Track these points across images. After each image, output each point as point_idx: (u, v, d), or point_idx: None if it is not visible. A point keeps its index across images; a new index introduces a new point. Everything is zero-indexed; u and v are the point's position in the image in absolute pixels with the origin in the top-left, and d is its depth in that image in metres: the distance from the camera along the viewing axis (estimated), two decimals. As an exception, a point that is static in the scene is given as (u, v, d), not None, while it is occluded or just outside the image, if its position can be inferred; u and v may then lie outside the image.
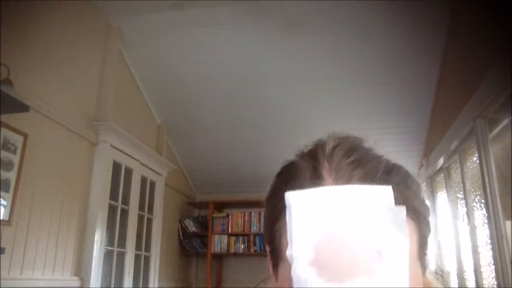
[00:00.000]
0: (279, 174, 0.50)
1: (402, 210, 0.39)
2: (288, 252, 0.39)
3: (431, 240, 0.49)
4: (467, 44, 2.74)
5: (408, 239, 0.38)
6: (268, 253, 0.50)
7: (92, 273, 2.88)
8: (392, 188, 0.40)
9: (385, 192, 0.39)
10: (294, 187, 0.41)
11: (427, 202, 0.50)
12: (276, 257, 0.46)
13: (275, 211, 0.45)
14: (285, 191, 0.41)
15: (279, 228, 0.44)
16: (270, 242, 0.47)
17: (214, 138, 4.44)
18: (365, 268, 0.37)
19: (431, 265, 3.73)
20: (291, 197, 0.40)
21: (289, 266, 0.39)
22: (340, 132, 0.48)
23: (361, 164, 0.44)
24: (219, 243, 4.94)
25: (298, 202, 0.39)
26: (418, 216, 0.45)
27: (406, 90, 3.60)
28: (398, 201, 0.39)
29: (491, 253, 2.34)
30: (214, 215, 5.04)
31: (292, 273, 0.38)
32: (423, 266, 0.46)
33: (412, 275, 0.40)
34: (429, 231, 0.47)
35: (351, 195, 0.39)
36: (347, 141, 0.47)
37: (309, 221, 0.39)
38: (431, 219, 0.48)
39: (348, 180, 0.42)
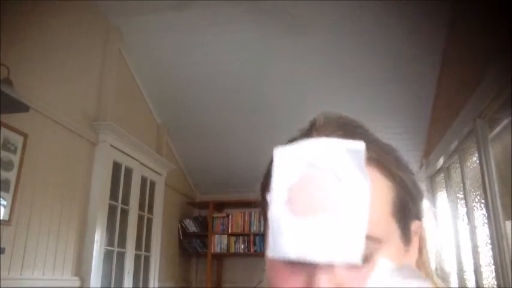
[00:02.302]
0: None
1: (360, 145, 0.43)
2: (267, 196, 0.44)
3: (421, 214, 0.52)
4: (467, 44, 2.74)
5: (368, 180, 0.42)
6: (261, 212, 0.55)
7: (92, 273, 2.88)
8: (370, 149, 0.45)
9: (356, 144, 0.43)
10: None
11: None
12: (265, 211, 0.50)
13: (267, 172, 0.51)
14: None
15: (268, 184, 0.49)
16: (262, 199, 0.53)
17: (215, 138, 4.44)
18: (329, 204, 0.41)
19: (432, 265, 3.72)
20: (277, 151, 0.46)
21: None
22: (334, 112, 0.54)
23: (342, 128, 0.50)
24: (219, 243, 4.94)
25: (281, 154, 0.45)
26: (395, 178, 0.48)
27: (406, 90, 3.60)
28: (371, 160, 0.45)
29: (491, 253, 2.34)
30: (214, 215, 5.04)
31: (269, 214, 0.43)
32: (404, 231, 0.49)
33: (382, 225, 0.45)
34: (412, 199, 0.50)
35: (323, 145, 0.44)
36: (339, 117, 0.53)
37: (286, 168, 0.44)
38: (419, 193, 0.51)
39: (328, 137, 0.47)
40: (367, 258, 0.43)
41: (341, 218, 0.41)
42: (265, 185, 0.51)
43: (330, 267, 0.42)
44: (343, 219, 0.41)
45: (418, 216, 0.52)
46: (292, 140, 0.52)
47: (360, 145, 0.43)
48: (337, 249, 0.40)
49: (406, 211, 0.49)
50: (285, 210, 0.43)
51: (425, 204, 0.55)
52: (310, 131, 0.51)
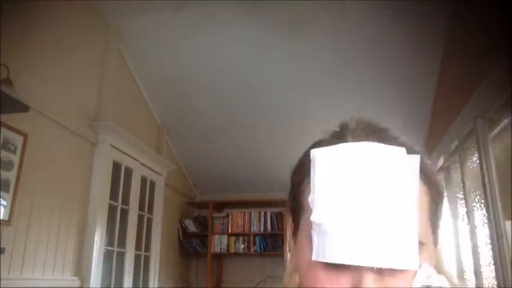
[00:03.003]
0: (308, 149, 0.54)
1: (416, 157, 0.43)
2: (309, 198, 0.43)
3: (442, 216, 0.53)
4: (467, 43, 2.74)
5: (418, 189, 0.42)
6: (287, 224, 0.55)
7: (91, 273, 2.88)
8: (412, 154, 0.44)
9: (399, 150, 0.44)
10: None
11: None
12: (298, 211, 0.51)
13: (302, 172, 0.50)
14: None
15: (303, 185, 0.49)
16: (294, 198, 0.53)
17: (215, 138, 4.44)
18: (383, 209, 0.41)
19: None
20: (315, 152, 0.45)
21: (309, 217, 0.43)
22: (362, 117, 0.55)
23: (377, 132, 0.51)
24: (219, 243, 4.94)
25: (321, 156, 0.44)
26: (430, 183, 0.50)
27: (406, 90, 3.60)
28: None
29: (491, 253, 2.34)
30: (214, 215, 5.04)
31: (312, 216, 0.42)
32: (435, 233, 0.50)
33: (423, 230, 0.45)
34: (441, 202, 0.52)
35: (367, 149, 0.44)
36: (367, 121, 0.54)
37: (329, 171, 0.43)
38: (443, 193, 0.53)
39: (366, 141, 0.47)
40: None
41: (395, 223, 0.40)
42: (299, 187, 0.51)
43: (376, 276, 0.42)
44: (398, 225, 0.40)
45: (441, 217, 0.54)
46: (322, 143, 0.51)
47: (416, 156, 0.43)
48: (394, 255, 0.40)
49: (437, 214, 0.51)
50: (329, 216, 0.41)
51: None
52: (343, 134, 0.51)
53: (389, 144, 0.46)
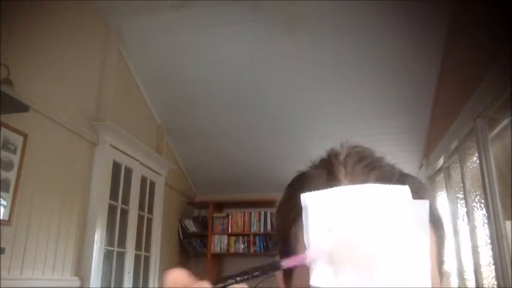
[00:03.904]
0: (291, 184, 0.49)
1: (425, 204, 0.38)
2: (305, 255, 0.38)
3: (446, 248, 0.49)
4: (467, 44, 2.74)
5: (429, 236, 0.38)
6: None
7: (91, 273, 2.88)
8: (410, 189, 0.40)
9: (403, 191, 0.39)
10: (309, 190, 0.40)
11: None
12: (290, 249, 0.45)
13: (290, 216, 0.45)
14: (299, 196, 0.40)
15: (294, 232, 0.44)
16: (283, 248, 0.46)
17: (214, 138, 4.44)
18: (385, 268, 0.36)
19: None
20: (307, 197, 0.39)
21: (306, 269, 0.38)
22: (350, 142, 0.49)
23: (376, 168, 0.45)
24: (219, 243, 4.94)
25: (315, 202, 0.39)
26: (436, 220, 0.44)
27: (406, 90, 3.60)
28: None
29: (491, 253, 2.34)
30: (214, 215, 5.04)
31: (310, 275, 0.37)
32: (441, 273, 0.46)
33: (433, 276, 0.39)
34: (445, 238, 0.47)
35: (368, 194, 0.39)
36: (359, 148, 0.47)
37: (326, 221, 0.38)
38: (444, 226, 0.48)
39: (365, 182, 0.42)
40: None
41: (409, 279, 0.36)
42: (288, 232, 0.45)
43: None
44: (412, 280, 0.36)
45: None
46: (309, 176, 0.47)
47: (424, 202, 0.38)
48: None
49: (443, 253, 0.47)
50: (330, 273, 0.37)
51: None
52: (334, 168, 0.45)
53: (389, 181, 0.41)
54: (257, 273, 0.37)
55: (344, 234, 0.37)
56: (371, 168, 0.44)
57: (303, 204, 0.39)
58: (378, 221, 0.37)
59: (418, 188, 0.44)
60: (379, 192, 0.39)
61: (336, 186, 0.42)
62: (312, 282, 0.37)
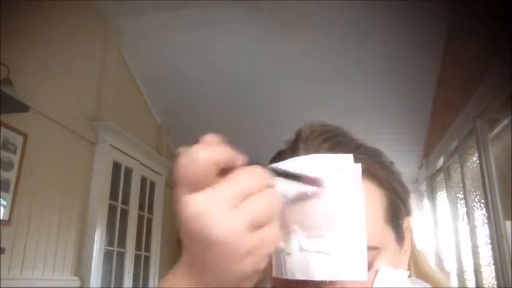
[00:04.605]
0: (269, 161, 0.55)
1: (357, 167, 0.44)
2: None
3: (411, 212, 0.54)
4: (467, 43, 2.74)
5: (362, 194, 0.43)
6: None
7: (91, 273, 2.88)
8: (358, 159, 0.45)
9: (345, 158, 0.44)
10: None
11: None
12: None
13: None
14: None
15: None
16: None
17: (214, 138, 4.43)
18: (327, 223, 0.42)
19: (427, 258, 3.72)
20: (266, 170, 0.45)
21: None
22: (317, 121, 0.54)
23: (329, 139, 0.50)
24: (219, 243, 4.93)
25: (271, 173, 0.44)
26: (385, 185, 0.49)
27: (406, 90, 3.60)
28: (364, 172, 0.44)
29: (491, 253, 2.34)
30: (214, 215, 5.03)
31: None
32: (397, 233, 0.49)
33: (379, 233, 0.46)
34: (402, 202, 0.51)
35: (313, 162, 0.45)
36: (324, 127, 0.52)
37: (279, 186, 0.43)
38: (406, 193, 0.53)
39: (316, 152, 0.47)
40: (368, 267, 0.43)
41: (340, 235, 0.42)
42: None
43: (330, 282, 0.43)
44: (343, 236, 0.42)
45: (408, 213, 0.53)
46: (279, 154, 0.53)
47: (357, 165, 0.44)
48: (341, 267, 0.41)
49: (397, 213, 0.50)
50: (283, 226, 0.43)
51: (412, 199, 0.56)
52: (296, 145, 0.51)
53: (341, 150, 0.46)
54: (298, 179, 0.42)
55: (292, 198, 0.44)
56: (324, 140, 0.49)
57: None
58: (312, 191, 0.43)
59: (368, 156, 0.49)
60: (323, 160, 0.45)
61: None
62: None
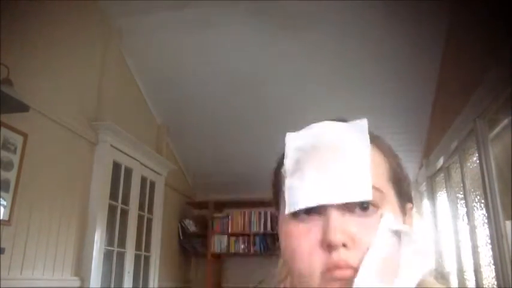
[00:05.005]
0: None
1: (364, 121, 0.53)
2: (282, 169, 0.52)
3: (407, 184, 0.58)
4: (467, 44, 2.74)
5: (369, 143, 0.50)
6: (278, 219, 0.58)
7: (91, 273, 2.88)
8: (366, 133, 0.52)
9: (356, 123, 0.53)
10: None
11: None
12: (278, 194, 0.56)
13: (279, 162, 0.57)
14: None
15: (281, 173, 0.54)
16: (274, 186, 0.59)
17: (214, 138, 4.44)
18: (336, 158, 0.49)
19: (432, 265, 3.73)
20: (287, 136, 0.54)
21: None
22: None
23: (339, 118, 0.57)
24: (219, 243, 4.94)
25: (291, 139, 0.54)
26: (387, 155, 0.56)
27: (406, 90, 3.60)
28: (371, 140, 0.51)
29: (491, 253, 2.34)
30: (214, 215, 5.04)
31: (285, 188, 0.50)
32: (399, 195, 0.54)
33: (381, 182, 0.51)
34: (401, 170, 0.57)
35: (328, 124, 0.53)
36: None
37: (298, 146, 0.52)
38: (402, 166, 0.59)
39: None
40: (374, 205, 0.48)
41: (348, 164, 0.48)
42: (278, 175, 0.56)
43: (341, 218, 0.47)
44: (350, 166, 0.48)
45: (410, 200, 0.57)
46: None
47: (363, 120, 0.52)
48: (349, 189, 0.47)
49: (400, 184, 0.55)
50: (298, 170, 0.50)
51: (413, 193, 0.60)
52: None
53: (349, 124, 0.54)
54: None
55: (308, 150, 0.51)
56: (336, 119, 0.56)
57: (285, 141, 0.54)
58: (332, 139, 0.51)
59: (377, 136, 0.57)
60: (337, 124, 0.53)
61: None
62: (287, 195, 0.50)
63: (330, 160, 0.48)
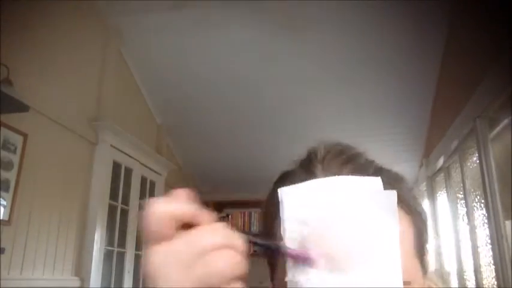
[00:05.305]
0: (276, 182, 0.50)
1: (393, 194, 0.39)
2: (281, 243, 0.40)
3: (430, 240, 0.49)
4: (467, 43, 2.73)
5: (398, 224, 0.38)
6: (265, 256, 0.50)
7: (91, 273, 2.88)
8: (383, 182, 0.40)
9: (374, 182, 0.40)
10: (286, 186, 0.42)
11: (424, 204, 0.51)
12: (273, 256, 0.46)
13: (271, 211, 0.46)
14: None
15: (275, 227, 0.44)
16: (267, 246, 0.47)
17: (214, 138, 4.44)
18: (356, 258, 0.37)
19: (432, 265, 3.73)
20: (283, 191, 0.41)
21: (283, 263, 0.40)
22: (330, 141, 0.50)
23: (350, 161, 0.46)
24: (219, 243, 4.93)
25: (289, 196, 0.40)
26: (413, 211, 0.46)
27: (406, 90, 3.60)
28: None
29: (491, 253, 2.34)
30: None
31: (286, 266, 0.39)
32: (423, 265, 0.46)
33: (408, 267, 0.41)
34: (426, 230, 0.48)
35: (339, 185, 0.40)
36: (338, 146, 0.49)
37: (300, 213, 0.39)
38: (427, 219, 0.49)
39: (338, 174, 0.43)
40: None
41: (376, 267, 0.37)
42: (272, 225, 0.45)
43: None
44: (379, 269, 0.37)
45: (428, 240, 0.49)
46: (287, 175, 0.49)
47: (392, 192, 0.39)
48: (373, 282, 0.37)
49: (422, 242, 0.47)
50: (307, 264, 0.38)
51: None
52: (311, 165, 0.47)
53: (363, 174, 0.42)
54: (264, 245, 0.40)
55: (317, 226, 0.38)
56: (345, 161, 0.46)
57: (279, 199, 0.41)
58: (348, 212, 0.38)
59: (392, 180, 0.45)
60: (350, 183, 0.40)
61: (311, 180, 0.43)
62: (289, 274, 0.39)
63: (347, 254, 0.37)
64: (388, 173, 0.47)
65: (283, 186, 0.43)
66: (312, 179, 0.43)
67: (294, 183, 0.42)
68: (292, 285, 0.38)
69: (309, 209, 0.39)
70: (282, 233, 0.40)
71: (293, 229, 0.39)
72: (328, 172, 0.44)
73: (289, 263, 0.39)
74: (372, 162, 0.48)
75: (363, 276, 0.37)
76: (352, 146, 0.50)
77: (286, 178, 0.47)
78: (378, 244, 0.37)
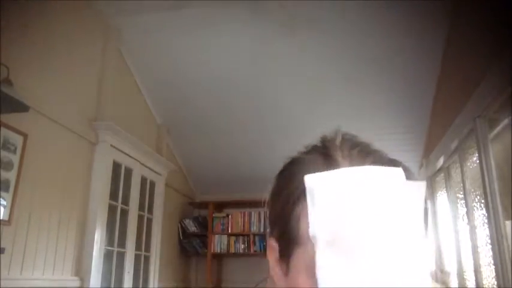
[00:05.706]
0: (285, 170, 0.50)
1: (423, 185, 0.41)
2: (310, 232, 0.39)
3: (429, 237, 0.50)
4: (467, 43, 2.73)
5: (423, 211, 0.40)
6: (270, 248, 0.48)
7: (91, 273, 2.88)
8: (410, 174, 0.42)
9: (398, 172, 0.41)
10: (309, 173, 0.41)
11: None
12: (290, 245, 0.45)
13: (291, 199, 0.45)
14: (300, 178, 0.41)
15: (296, 214, 0.44)
16: (283, 232, 0.46)
17: (214, 138, 4.44)
18: (388, 249, 0.38)
19: (431, 266, 3.72)
20: (311, 179, 0.40)
21: (308, 249, 0.40)
22: (340, 130, 0.51)
23: (371, 152, 0.47)
24: (219, 243, 4.94)
25: (319, 184, 0.39)
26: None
27: (406, 90, 3.60)
28: None
29: (491, 253, 2.34)
30: (214, 215, 5.04)
31: (317, 255, 0.38)
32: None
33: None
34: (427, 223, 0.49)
35: (370, 175, 0.40)
36: (350, 135, 0.50)
37: (331, 202, 0.39)
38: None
39: (362, 164, 0.44)
40: None
41: (403, 240, 0.38)
42: (289, 216, 0.45)
43: None
44: (410, 253, 0.38)
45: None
46: (303, 161, 0.48)
47: (422, 184, 0.41)
48: (403, 274, 0.38)
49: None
50: (334, 252, 0.38)
51: None
52: (329, 152, 0.46)
53: (384, 164, 0.43)
54: None
55: (348, 216, 0.38)
56: (367, 152, 0.46)
57: (307, 186, 0.40)
58: (380, 203, 0.39)
59: (406, 172, 0.46)
60: (379, 174, 0.40)
61: (335, 169, 0.42)
62: (318, 262, 0.38)
63: (381, 238, 0.38)
64: (400, 164, 0.48)
65: (301, 173, 0.42)
66: (334, 166, 0.43)
67: (314, 169, 0.42)
68: (322, 273, 0.38)
69: (341, 199, 0.39)
70: (311, 221, 0.39)
71: (325, 217, 0.39)
72: (351, 161, 0.45)
73: (319, 250, 0.38)
74: (384, 153, 0.49)
75: (396, 271, 0.37)
76: (356, 136, 0.50)
77: (303, 165, 0.46)
78: (408, 231, 0.39)
